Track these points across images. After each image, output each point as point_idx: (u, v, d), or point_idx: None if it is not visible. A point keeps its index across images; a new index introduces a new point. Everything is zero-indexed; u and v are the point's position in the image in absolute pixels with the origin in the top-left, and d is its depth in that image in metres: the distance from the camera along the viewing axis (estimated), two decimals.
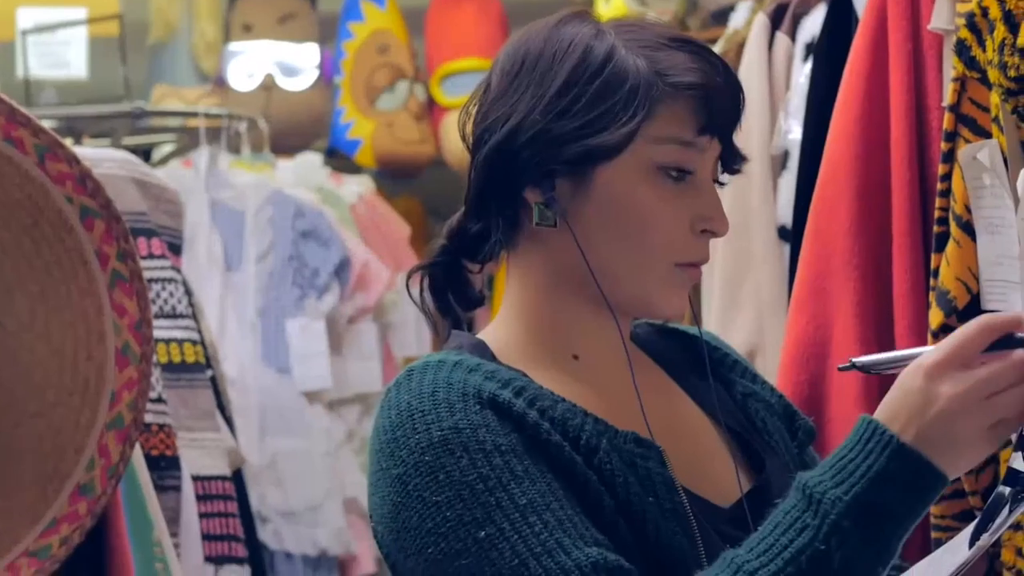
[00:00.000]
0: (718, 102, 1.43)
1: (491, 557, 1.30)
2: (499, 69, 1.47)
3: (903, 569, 1.45)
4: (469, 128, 1.49)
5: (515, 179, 1.44)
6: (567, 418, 1.38)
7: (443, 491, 1.33)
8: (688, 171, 1.43)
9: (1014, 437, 1.39)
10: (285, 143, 4.43)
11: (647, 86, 1.41)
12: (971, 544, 1.31)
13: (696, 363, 1.56)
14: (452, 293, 1.52)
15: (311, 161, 4.27)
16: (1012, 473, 1.34)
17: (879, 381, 1.99)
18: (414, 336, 4.21)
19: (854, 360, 1.37)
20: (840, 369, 1.39)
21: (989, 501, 1.32)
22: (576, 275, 1.45)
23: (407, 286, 1.53)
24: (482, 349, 1.46)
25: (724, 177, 1.49)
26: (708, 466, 1.47)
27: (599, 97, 1.41)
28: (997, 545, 1.70)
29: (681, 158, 1.43)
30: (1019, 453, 1.37)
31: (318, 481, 3.86)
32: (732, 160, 1.48)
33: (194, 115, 4.02)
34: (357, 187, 4.31)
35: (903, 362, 1.33)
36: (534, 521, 1.30)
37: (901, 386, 1.29)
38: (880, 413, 1.29)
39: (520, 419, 1.35)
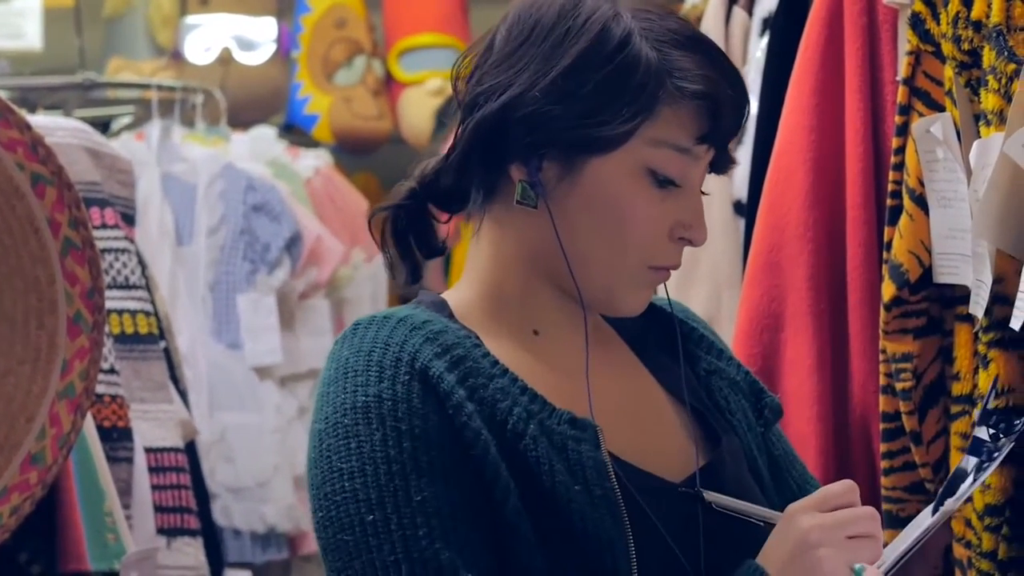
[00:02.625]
0: (723, 113, 1.40)
1: (370, 544, 1.32)
2: (505, 31, 1.42)
3: None
4: (462, 85, 1.45)
5: (503, 152, 1.41)
6: (497, 399, 1.37)
7: (350, 459, 1.34)
8: (675, 184, 1.40)
9: (976, 412, 1.41)
10: (242, 117, 4.41)
11: (655, 84, 1.37)
12: (935, 511, 1.33)
13: (663, 338, 1.54)
14: (414, 237, 1.48)
15: (266, 135, 4.24)
16: (976, 442, 1.37)
17: (832, 354, 2.00)
18: (369, 312, 4.19)
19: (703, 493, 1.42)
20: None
21: (952, 473, 1.35)
22: (547, 257, 1.43)
23: (369, 226, 1.49)
24: (441, 306, 1.45)
25: None
26: (660, 444, 1.46)
27: (605, 87, 1.37)
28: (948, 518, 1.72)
29: (674, 164, 1.40)
30: (983, 427, 1.40)
31: (268, 457, 3.85)
32: (723, 164, 1.45)
33: (148, 87, 3.99)
34: (314, 160, 4.29)
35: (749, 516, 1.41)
36: (421, 523, 1.31)
37: (774, 531, 1.36)
38: (760, 557, 1.35)
39: (445, 397, 1.35)
